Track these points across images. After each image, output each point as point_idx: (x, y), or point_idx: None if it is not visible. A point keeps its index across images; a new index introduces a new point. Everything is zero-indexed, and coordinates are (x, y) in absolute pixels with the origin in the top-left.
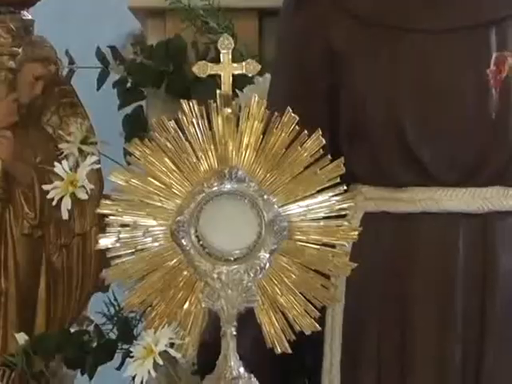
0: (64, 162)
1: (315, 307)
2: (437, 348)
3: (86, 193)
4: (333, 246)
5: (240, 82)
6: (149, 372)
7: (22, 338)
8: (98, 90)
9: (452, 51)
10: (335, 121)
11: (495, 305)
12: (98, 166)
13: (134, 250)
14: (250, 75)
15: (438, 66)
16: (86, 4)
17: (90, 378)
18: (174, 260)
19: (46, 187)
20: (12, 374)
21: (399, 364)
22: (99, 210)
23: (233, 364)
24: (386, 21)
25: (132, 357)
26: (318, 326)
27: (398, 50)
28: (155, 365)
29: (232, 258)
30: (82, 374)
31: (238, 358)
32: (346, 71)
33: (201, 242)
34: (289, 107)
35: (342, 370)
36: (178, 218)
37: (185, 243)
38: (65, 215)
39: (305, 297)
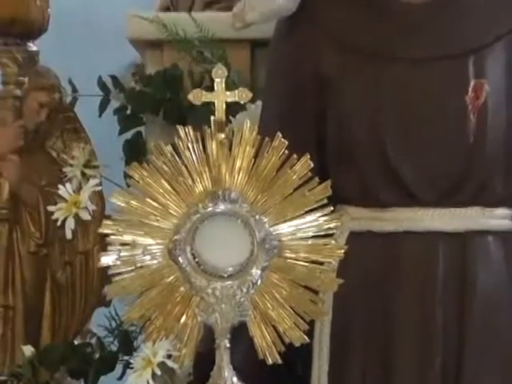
0: (68, 185)
1: (304, 320)
2: (419, 359)
3: (89, 213)
4: (321, 264)
5: (233, 108)
6: (148, 382)
7: (28, 350)
8: (99, 116)
9: (433, 79)
10: (323, 144)
11: (473, 318)
12: (99, 188)
13: (133, 268)
14: (242, 102)
15: (420, 92)
16: (87, 35)
17: None
18: (171, 277)
19: (50, 208)
20: None
21: (383, 374)
22: (101, 230)
23: (227, 375)
24: (372, 49)
25: (132, 368)
26: (306, 338)
27: (383, 76)
28: (154, 375)
29: (226, 275)
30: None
31: (232, 368)
32: (333, 96)
33: (196, 260)
34: (279, 132)
35: (329, 379)
36: (175, 237)
37: (181, 261)
38: (68, 235)
39: (294, 311)
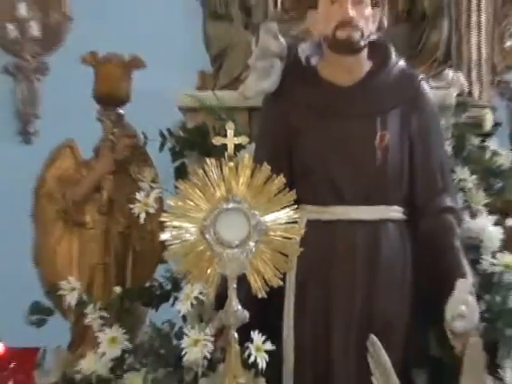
0: (141, 193)
1: (280, 272)
2: (347, 300)
3: (154, 209)
4: (290, 239)
5: (238, 147)
6: (188, 308)
7: (117, 289)
8: (160, 151)
9: (357, 129)
10: (291, 168)
11: (380, 271)
12: (160, 195)
13: (179, 241)
14: (243, 144)
15: (349, 136)
16: (150, 105)
17: (156, 310)
18: (202, 247)
19: (131, 206)
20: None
21: (325, 310)
22: (161, 219)
23: (234, 304)
24: (320, 111)
25: (178, 299)
26: (281, 282)
27: (327, 127)
28: (191, 304)
29: (233, 245)
30: (151, 308)
31: (238, 301)
32: (297, 140)
33: (216, 236)
34: (265, 162)
35: (294, 306)
36: (204, 223)
37: (207, 237)
38: (141, 221)
39: (274, 266)
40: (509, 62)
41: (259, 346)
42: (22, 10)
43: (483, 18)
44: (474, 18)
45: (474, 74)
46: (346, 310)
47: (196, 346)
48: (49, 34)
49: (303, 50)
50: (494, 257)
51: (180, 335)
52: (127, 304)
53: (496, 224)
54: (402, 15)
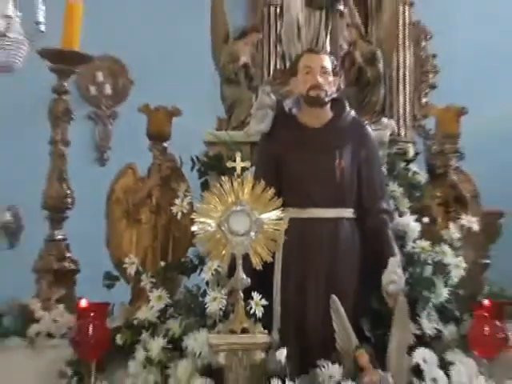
0: (178, 199)
1: (271, 252)
2: (316, 271)
3: (186, 210)
4: (278, 230)
5: (243, 169)
6: (210, 275)
7: (162, 263)
8: (191, 171)
9: (323, 157)
10: (279, 184)
11: (338, 256)
12: (191, 200)
13: (204, 231)
14: (247, 167)
15: (318, 163)
16: (184, 140)
17: (188, 277)
18: (219, 235)
19: (172, 208)
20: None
21: (301, 277)
22: (192, 216)
23: (240, 274)
24: (297, 144)
25: (203, 270)
26: (271, 259)
27: (303, 156)
28: (212, 273)
29: (240, 234)
30: (185, 276)
31: (243, 272)
32: (283, 165)
33: (229, 228)
34: (262, 179)
35: (281, 279)
36: (220, 219)
37: (223, 229)
38: (178, 217)
39: (267, 248)
40: (424, 113)
41: (257, 302)
42: (100, 76)
43: (407, 85)
44: (401, 85)
45: (401, 121)
46: (316, 277)
47: (215, 302)
48: (118, 92)
49: (287, 104)
50: (414, 242)
51: (204, 294)
52: (169, 273)
53: (416, 220)
54: (353, 81)
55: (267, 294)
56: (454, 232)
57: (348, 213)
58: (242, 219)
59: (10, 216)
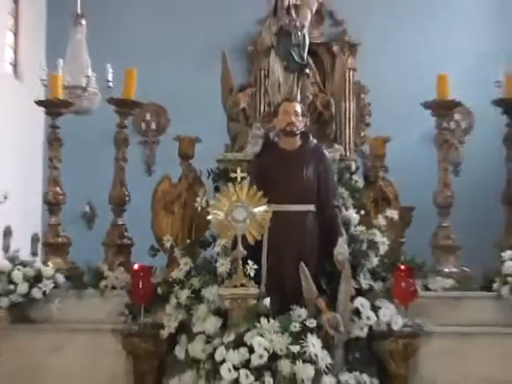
0: (199, 198)
1: (260, 233)
2: (290, 247)
3: (205, 205)
4: (265, 219)
5: (242, 178)
6: (219, 249)
7: (188, 241)
8: (207, 178)
9: (295, 171)
10: (266, 187)
11: (305, 238)
12: (207, 199)
13: (216, 220)
14: (245, 177)
15: (292, 174)
16: (203, 158)
17: (205, 250)
18: (226, 222)
19: (195, 204)
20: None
21: (280, 251)
22: (208, 210)
23: (240, 247)
24: (278, 161)
25: (215, 245)
26: (260, 238)
27: (282, 170)
28: (221, 248)
29: (240, 221)
30: (203, 249)
31: (241, 246)
32: (268, 175)
33: (233, 217)
34: (255, 185)
35: (267, 251)
36: (227, 212)
37: (228, 218)
38: (199, 210)
39: (258, 231)
40: (362, 141)
41: (251, 267)
42: (147, 116)
43: (351, 123)
44: (347, 123)
45: (347, 147)
46: (290, 251)
47: (223, 266)
48: (159, 126)
49: (271, 135)
50: (355, 227)
51: (216, 261)
52: (192, 247)
53: (356, 213)
54: (315, 121)
55: (257, 261)
56: (381, 221)
57: (311, 207)
58: (241, 211)
59: (88, 208)
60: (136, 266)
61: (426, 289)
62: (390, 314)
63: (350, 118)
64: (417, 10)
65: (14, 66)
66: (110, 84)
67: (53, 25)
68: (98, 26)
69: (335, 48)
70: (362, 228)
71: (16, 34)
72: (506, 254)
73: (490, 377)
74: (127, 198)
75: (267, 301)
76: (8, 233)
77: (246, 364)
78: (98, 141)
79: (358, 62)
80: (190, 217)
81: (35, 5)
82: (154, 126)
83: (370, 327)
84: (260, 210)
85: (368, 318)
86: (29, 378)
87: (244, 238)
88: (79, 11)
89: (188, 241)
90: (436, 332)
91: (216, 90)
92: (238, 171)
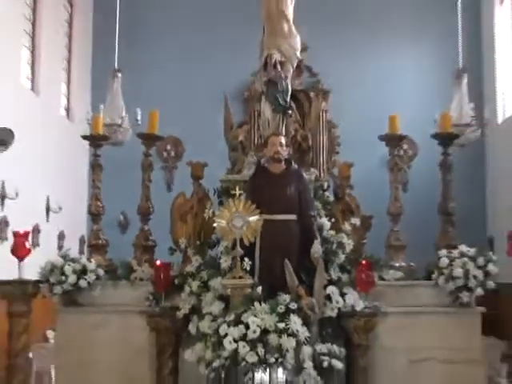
0: (207, 210)
1: (254, 236)
2: (277, 248)
3: (211, 215)
4: (257, 226)
5: (240, 195)
6: (222, 248)
7: (198, 242)
8: (213, 195)
9: (281, 189)
10: (258, 201)
11: (289, 241)
12: (213, 210)
13: (220, 226)
14: (242, 193)
15: (279, 192)
16: (211, 179)
17: (211, 249)
18: (227, 228)
19: (204, 214)
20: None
21: (271, 249)
22: (214, 219)
23: (238, 248)
24: (267, 181)
25: (220, 246)
26: (253, 240)
27: (270, 188)
28: (224, 248)
29: (239, 227)
30: (211, 249)
31: (239, 247)
32: (259, 192)
33: (233, 224)
34: (249, 199)
35: (259, 250)
36: (229, 220)
37: (230, 225)
38: (206, 218)
39: (252, 234)
40: (333, 166)
41: (247, 262)
42: (168, 146)
43: (324, 152)
44: (321, 152)
45: (321, 170)
46: (277, 251)
47: (225, 262)
48: (177, 155)
49: (262, 161)
50: (327, 232)
51: (220, 258)
52: (202, 247)
53: (328, 221)
54: (296, 150)
55: (252, 258)
56: (347, 226)
57: (293, 217)
58: (239, 220)
59: (122, 217)
60: (158, 262)
61: (382, 279)
62: (353, 299)
63: (323, 147)
64: (378, 63)
65: (67, 110)
66: (139, 122)
67: (96, 77)
68: (130, 78)
69: (311, 94)
70: (332, 232)
71: (68, 86)
72: (442, 252)
73: (430, 345)
74: (151, 210)
75: (259, 289)
76: (61, 236)
77: (244, 337)
78: (130, 166)
79: (329, 105)
80: (200, 224)
81: (82, 64)
82: (172, 154)
83: (339, 309)
84: (254, 218)
85: (337, 301)
86: (77, 347)
87: (241, 240)
88: (116, 66)
89: (198, 243)
90: (389, 312)
91: (220, 126)
92: (237, 189)
